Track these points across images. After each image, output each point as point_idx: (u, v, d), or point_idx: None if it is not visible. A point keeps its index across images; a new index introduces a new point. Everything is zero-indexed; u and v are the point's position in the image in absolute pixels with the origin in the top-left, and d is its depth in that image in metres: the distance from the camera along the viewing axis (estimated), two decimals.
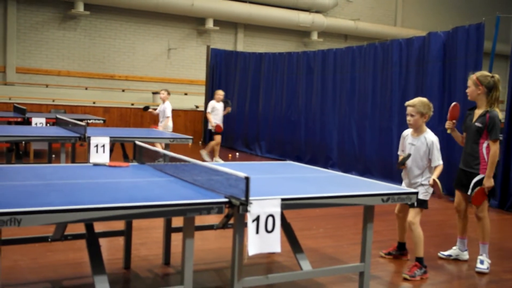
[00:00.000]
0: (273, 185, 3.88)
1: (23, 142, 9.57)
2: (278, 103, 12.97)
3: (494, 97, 4.66)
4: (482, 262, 4.74)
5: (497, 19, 8.24)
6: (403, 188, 4.18)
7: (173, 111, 10.67)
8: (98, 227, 3.84)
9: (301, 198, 3.29)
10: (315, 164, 9.68)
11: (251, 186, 2.92)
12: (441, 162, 4.54)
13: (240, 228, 3.17)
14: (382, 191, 3.68)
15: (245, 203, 2.93)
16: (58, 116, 8.15)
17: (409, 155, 4.56)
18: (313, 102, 11.88)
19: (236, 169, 3.21)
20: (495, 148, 4.59)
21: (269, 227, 3.09)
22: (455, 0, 22.72)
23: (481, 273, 4.68)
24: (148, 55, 17.14)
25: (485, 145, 4.67)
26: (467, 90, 4.76)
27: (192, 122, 16.20)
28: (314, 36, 19.59)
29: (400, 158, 4.62)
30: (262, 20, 18.23)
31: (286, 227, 4.09)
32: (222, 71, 15.38)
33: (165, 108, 10.22)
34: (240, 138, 14.26)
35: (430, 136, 4.58)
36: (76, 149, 9.26)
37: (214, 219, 5.27)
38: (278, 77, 13.06)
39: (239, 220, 3.15)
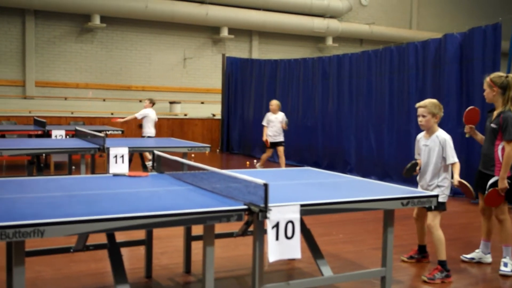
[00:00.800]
0: (292, 191, 3.88)
1: (44, 155, 9.69)
2: (295, 109, 12.97)
3: (508, 97, 4.62)
4: (506, 264, 4.68)
5: None
6: (423, 191, 4.14)
7: (190, 120, 10.72)
8: (119, 237, 3.88)
9: (320, 203, 3.29)
10: (333, 169, 9.64)
11: (270, 193, 2.93)
12: (456, 159, 4.50)
13: (260, 235, 3.17)
14: (401, 195, 3.66)
15: (264, 210, 2.94)
16: (77, 128, 8.26)
17: (414, 163, 4.56)
18: (329, 107, 11.86)
19: (255, 176, 3.22)
20: (509, 149, 4.53)
21: (289, 233, 3.08)
22: (471, 1, 22.54)
23: (505, 276, 4.62)
24: (164, 65, 17.28)
25: (500, 146, 4.63)
26: (484, 93, 4.75)
27: (209, 131, 16.27)
28: (329, 41, 19.57)
29: (406, 167, 4.61)
30: (276, 27, 18.28)
31: (306, 233, 4.08)
32: (238, 79, 15.44)
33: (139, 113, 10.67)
34: (257, 145, 14.26)
35: (442, 134, 4.58)
36: (95, 160, 9.35)
37: (233, 226, 5.27)
38: (294, 84, 13.07)
39: (259, 227, 3.15)
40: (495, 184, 4.61)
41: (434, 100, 4.64)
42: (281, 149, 10.32)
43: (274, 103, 10.40)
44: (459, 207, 7.91)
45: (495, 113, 4.71)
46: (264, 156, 10.75)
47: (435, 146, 4.53)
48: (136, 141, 8.45)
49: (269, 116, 10.36)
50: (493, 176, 4.65)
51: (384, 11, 21.14)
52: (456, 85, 8.77)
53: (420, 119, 4.60)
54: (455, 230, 6.29)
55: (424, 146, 4.62)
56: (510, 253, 4.72)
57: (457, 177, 4.46)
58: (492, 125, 4.65)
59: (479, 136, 4.93)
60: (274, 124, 10.26)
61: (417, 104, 4.65)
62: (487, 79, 4.71)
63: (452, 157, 4.48)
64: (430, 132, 4.62)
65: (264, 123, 10.45)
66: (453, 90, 8.75)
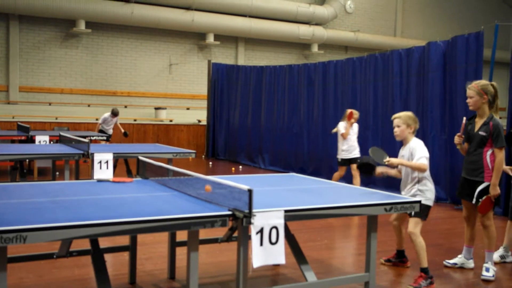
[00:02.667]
0: (277, 197, 3.89)
1: (27, 160, 9.62)
2: (280, 116, 13.01)
3: (496, 105, 4.71)
4: (487, 269, 4.74)
5: (496, 27, 8.29)
6: (406, 197, 4.18)
7: (176, 125, 10.65)
8: (103, 243, 3.86)
9: (304, 209, 3.31)
10: (319, 175, 9.67)
11: (254, 199, 2.94)
12: (422, 161, 4.45)
13: (244, 240, 3.18)
14: (384, 200, 3.69)
15: (249, 216, 2.95)
16: (62, 133, 8.20)
17: (361, 158, 4.63)
18: (315, 113, 11.92)
19: (239, 182, 3.23)
20: (501, 155, 4.60)
21: (273, 239, 3.10)
22: (454, 9, 22.84)
23: (487, 281, 4.67)
24: (149, 71, 17.25)
25: (489, 153, 4.68)
26: (469, 101, 4.75)
27: (195, 137, 16.25)
28: (315, 48, 19.69)
29: (361, 161, 4.62)
30: (262, 34, 18.35)
31: (290, 239, 4.10)
32: (223, 85, 15.47)
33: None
34: (243, 151, 14.29)
35: (413, 143, 4.60)
36: (80, 166, 9.29)
37: (219, 232, 5.27)
38: (280, 90, 13.12)
39: (243, 232, 3.16)
40: (485, 190, 4.66)
41: (410, 113, 4.72)
42: (355, 167, 7.86)
43: (356, 113, 8.53)
44: (443, 213, 7.99)
45: (479, 120, 4.75)
46: (336, 175, 8.62)
47: (408, 155, 4.60)
48: (121, 147, 8.41)
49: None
50: (481, 182, 4.68)
51: (369, 18, 21.34)
52: (439, 93, 8.87)
53: (395, 129, 4.67)
54: (438, 236, 6.35)
55: (401, 156, 4.68)
56: (492, 259, 4.80)
57: (395, 160, 4.52)
58: (481, 132, 4.67)
59: (463, 146, 4.97)
60: (350, 136, 8.41)
61: (393, 116, 4.72)
62: (476, 86, 4.72)
63: (418, 159, 4.49)
64: (405, 142, 4.69)
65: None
66: (436, 97, 8.85)
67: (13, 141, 9.72)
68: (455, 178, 8.57)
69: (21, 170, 8.29)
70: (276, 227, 3.09)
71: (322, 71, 11.74)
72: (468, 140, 4.87)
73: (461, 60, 8.46)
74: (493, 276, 4.70)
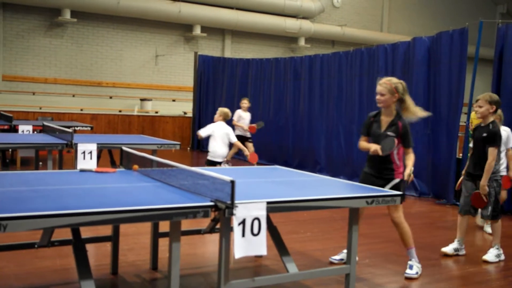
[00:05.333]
0: (259, 188, 3.91)
1: (10, 150, 9.52)
2: (266, 109, 13.02)
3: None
4: (411, 267, 4.64)
5: (480, 24, 8.36)
6: (387, 190, 4.22)
7: (161, 117, 10.59)
8: (85, 233, 3.85)
9: (286, 201, 3.33)
10: (303, 169, 9.71)
11: (237, 190, 2.95)
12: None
13: (226, 231, 3.20)
14: (366, 193, 3.73)
15: (231, 207, 2.96)
16: (45, 123, 8.13)
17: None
18: (300, 107, 11.94)
19: (223, 173, 3.24)
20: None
21: (255, 230, 3.11)
22: (440, 6, 22.99)
23: (410, 279, 4.56)
24: (135, 62, 17.14)
25: (395, 151, 4.63)
26: (380, 98, 4.58)
27: (180, 128, 16.21)
28: (302, 42, 19.70)
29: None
30: (249, 27, 18.32)
31: (273, 231, 4.12)
32: (210, 77, 15.42)
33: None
34: None
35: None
36: (63, 156, 9.23)
37: (202, 224, 5.28)
38: (266, 83, 13.12)
39: (225, 223, 3.17)
40: (395, 187, 4.56)
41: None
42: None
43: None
44: (425, 207, 8.07)
45: (387, 119, 4.64)
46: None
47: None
48: (105, 137, 8.36)
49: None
50: (391, 179, 4.62)
51: (356, 13, 21.40)
52: (423, 88, 8.94)
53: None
54: (419, 229, 6.42)
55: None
56: (414, 255, 4.69)
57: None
58: (389, 133, 4.58)
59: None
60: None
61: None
62: (388, 84, 4.55)
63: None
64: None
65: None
66: (420, 93, 8.91)
67: None
68: (438, 173, 8.67)
69: (4, 159, 8.22)
70: (258, 219, 3.11)
71: (308, 65, 11.76)
72: (373, 138, 4.75)
73: (445, 56, 8.53)
74: (416, 273, 4.59)
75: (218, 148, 7.57)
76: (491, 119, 5.10)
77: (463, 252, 5.37)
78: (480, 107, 5.09)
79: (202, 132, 7.58)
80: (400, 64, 9.43)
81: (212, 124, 7.73)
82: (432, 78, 8.83)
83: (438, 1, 23.00)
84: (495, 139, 5.01)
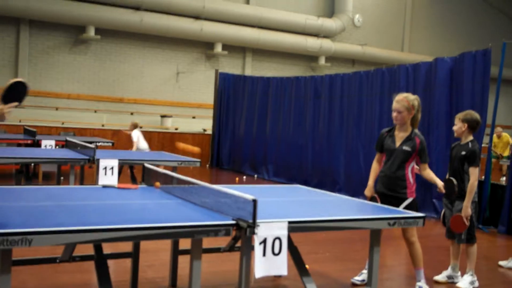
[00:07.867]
0: (280, 208, 3.90)
1: (33, 164, 9.65)
2: (286, 127, 13.03)
3: (417, 119, 4.77)
4: None
5: (504, 45, 8.30)
6: (409, 212, 4.18)
7: (181, 134, 10.69)
8: (106, 249, 3.87)
9: (307, 221, 3.32)
10: (322, 188, 9.66)
11: (258, 209, 2.95)
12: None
13: (247, 250, 3.19)
14: (388, 215, 3.70)
15: (253, 226, 2.96)
16: (68, 138, 8.24)
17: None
18: (320, 126, 11.93)
19: (244, 192, 3.24)
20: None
21: (276, 250, 3.10)
22: (462, 26, 22.89)
23: None
24: (157, 78, 17.32)
25: (410, 168, 4.67)
26: (397, 115, 4.66)
27: (200, 145, 16.24)
28: (322, 61, 19.74)
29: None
30: (270, 45, 18.42)
31: (293, 250, 4.10)
32: (230, 94, 15.51)
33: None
34: (247, 162, 14.29)
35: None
36: (84, 171, 9.33)
37: (221, 242, 5.27)
38: (286, 101, 13.15)
39: (246, 242, 3.17)
40: (409, 206, 4.52)
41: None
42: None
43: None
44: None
45: (403, 134, 4.68)
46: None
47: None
48: (126, 153, 8.44)
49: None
50: (404, 199, 4.58)
51: (376, 32, 21.39)
52: (445, 109, 8.87)
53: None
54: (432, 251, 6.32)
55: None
56: (422, 276, 4.64)
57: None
58: (405, 147, 4.60)
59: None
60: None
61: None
62: (406, 101, 4.63)
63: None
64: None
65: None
66: (442, 113, 8.85)
67: (19, 145, 9.76)
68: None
69: (27, 174, 8.32)
70: (279, 238, 3.10)
71: (328, 84, 11.77)
72: (387, 153, 4.73)
73: (468, 77, 8.47)
74: None
75: None
76: (470, 138, 5.00)
77: (458, 280, 5.08)
78: (455, 124, 5.04)
79: None
80: (421, 84, 9.38)
81: None
82: (455, 99, 8.76)
83: (459, 21, 22.90)
84: (474, 158, 4.87)
